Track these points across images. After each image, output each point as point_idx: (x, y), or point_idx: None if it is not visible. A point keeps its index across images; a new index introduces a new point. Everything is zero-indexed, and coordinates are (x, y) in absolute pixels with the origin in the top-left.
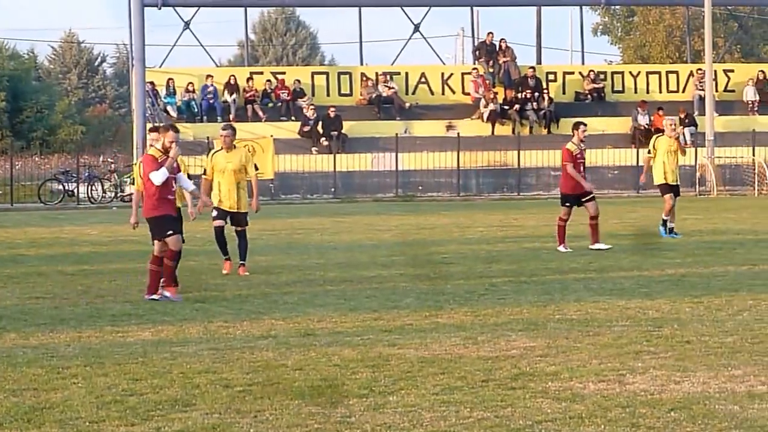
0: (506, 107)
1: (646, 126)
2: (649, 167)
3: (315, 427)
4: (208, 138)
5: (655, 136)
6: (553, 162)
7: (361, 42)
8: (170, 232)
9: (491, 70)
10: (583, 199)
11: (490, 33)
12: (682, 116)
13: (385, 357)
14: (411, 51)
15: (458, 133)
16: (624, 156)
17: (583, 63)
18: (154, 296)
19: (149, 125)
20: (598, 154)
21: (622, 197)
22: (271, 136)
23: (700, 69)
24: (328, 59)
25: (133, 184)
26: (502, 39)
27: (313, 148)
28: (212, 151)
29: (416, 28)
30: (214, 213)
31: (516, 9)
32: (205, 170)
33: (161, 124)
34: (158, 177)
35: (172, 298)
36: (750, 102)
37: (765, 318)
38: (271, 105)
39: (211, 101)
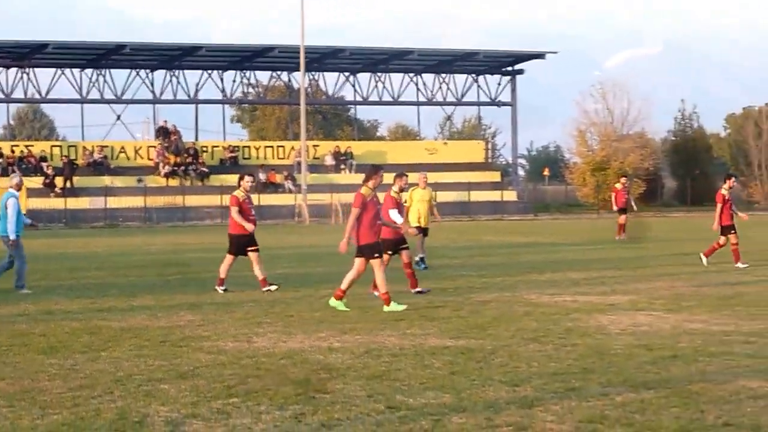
0: (176, 168)
1: (264, 180)
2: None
3: (53, 372)
4: None
5: (411, 188)
6: (212, 203)
7: (83, 126)
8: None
9: (166, 144)
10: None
11: (165, 120)
12: (286, 174)
13: (98, 327)
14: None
15: (145, 184)
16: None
17: (224, 140)
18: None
19: None
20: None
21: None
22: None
23: (294, 146)
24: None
25: None
26: (174, 124)
27: (51, 193)
28: None
29: (118, 118)
30: None
31: (178, 106)
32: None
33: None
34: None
35: None
36: (330, 165)
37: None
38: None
39: None
